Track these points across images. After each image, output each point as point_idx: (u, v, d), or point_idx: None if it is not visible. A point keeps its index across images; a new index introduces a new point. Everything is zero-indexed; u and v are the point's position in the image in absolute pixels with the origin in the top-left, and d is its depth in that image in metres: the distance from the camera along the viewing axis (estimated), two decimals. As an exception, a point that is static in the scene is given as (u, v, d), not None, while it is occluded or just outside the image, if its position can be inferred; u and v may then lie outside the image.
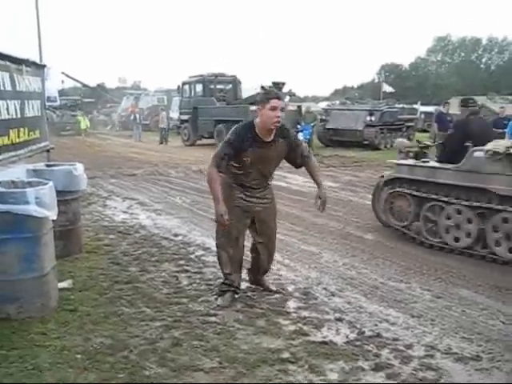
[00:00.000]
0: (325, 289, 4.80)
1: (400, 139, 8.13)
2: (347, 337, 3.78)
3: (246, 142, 4.12)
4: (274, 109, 4.04)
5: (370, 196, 7.88)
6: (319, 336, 3.78)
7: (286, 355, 3.44)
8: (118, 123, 35.96)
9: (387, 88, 35.12)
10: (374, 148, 19.63)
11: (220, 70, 23.55)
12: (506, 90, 30.38)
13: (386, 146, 20.03)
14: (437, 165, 6.50)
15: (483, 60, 63.93)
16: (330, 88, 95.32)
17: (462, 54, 64.77)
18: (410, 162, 6.78)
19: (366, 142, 20.04)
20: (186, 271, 5.20)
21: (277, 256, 4.91)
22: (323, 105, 27.17)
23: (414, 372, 3.28)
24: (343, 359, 3.41)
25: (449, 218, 6.15)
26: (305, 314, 4.19)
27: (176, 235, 6.70)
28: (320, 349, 3.55)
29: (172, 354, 3.43)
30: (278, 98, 4.14)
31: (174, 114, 28.41)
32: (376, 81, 58.79)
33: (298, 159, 4.43)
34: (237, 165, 4.23)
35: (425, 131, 24.90)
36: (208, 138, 22.37)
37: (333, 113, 21.48)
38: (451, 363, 3.42)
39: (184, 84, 23.97)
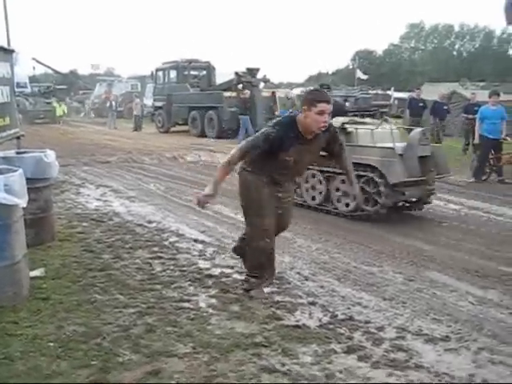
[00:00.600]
0: (298, 273, 4.84)
1: None
2: (320, 320, 3.82)
3: (286, 141, 3.90)
4: (321, 113, 3.80)
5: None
6: (292, 320, 3.81)
7: (259, 339, 3.46)
8: (92, 110, 35.38)
9: (361, 74, 35.31)
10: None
11: (194, 56, 23.44)
12: (477, 77, 30.82)
13: None
14: None
15: (456, 47, 64.53)
16: (304, 74, 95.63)
17: (435, 41, 65.26)
18: None
19: None
20: (160, 258, 5.18)
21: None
22: (298, 91, 27.11)
23: (386, 353, 3.33)
24: (316, 342, 3.45)
25: (306, 182, 7.72)
26: (278, 298, 4.22)
27: (150, 222, 6.67)
28: (293, 332, 3.58)
29: (146, 340, 3.42)
30: (328, 102, 3.84)
31: (148, 101, 28.16)
32: (350, 67, 58.88)
33: (335, 149, 4.29)
34: (277, 164, 4.03)
35: (398, 117, 25.10)
36: (182, 125, 22.30)
37: (307, 99, 21.44)
38: (421, 344, 3.49)
39: (158, 70, 23.78)
